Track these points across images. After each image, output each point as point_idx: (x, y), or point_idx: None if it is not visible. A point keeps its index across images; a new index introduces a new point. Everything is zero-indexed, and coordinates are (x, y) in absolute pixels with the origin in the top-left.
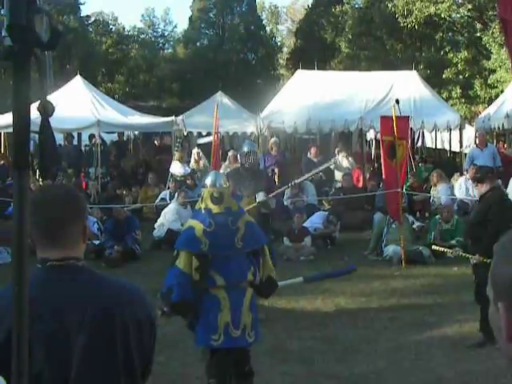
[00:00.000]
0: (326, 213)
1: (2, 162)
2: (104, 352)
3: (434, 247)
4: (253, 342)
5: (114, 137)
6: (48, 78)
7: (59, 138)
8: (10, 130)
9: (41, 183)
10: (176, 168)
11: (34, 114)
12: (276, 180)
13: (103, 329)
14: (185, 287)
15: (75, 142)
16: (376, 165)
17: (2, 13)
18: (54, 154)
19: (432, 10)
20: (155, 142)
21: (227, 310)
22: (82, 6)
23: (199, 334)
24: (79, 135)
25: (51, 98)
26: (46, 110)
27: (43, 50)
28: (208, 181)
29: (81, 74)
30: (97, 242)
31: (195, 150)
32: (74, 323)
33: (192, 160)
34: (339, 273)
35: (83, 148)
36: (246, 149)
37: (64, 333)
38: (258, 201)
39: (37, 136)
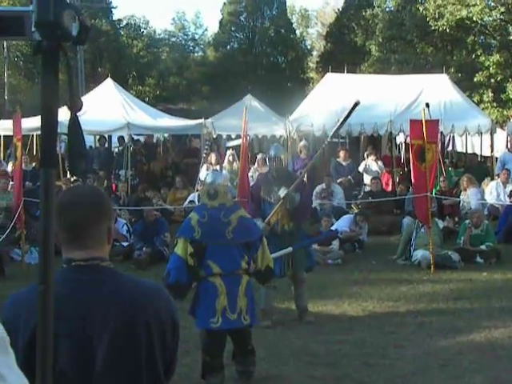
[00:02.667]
0: (353, 215)
1: (34, 164)
2: (127, 351)
3: None
4: (248, 323)
5: (142, 139)
6: (80, 74)
7: (90, 141)
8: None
9: (72, 180)
10: (204, 172)
11: (63, 116)
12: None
13: (126, 328)
14: (180, 271)
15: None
16: (406, 169)
17: (31, 8)
18: (82, 149)
19: (464, 13)
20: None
21: (224, 296)
22: (113, 10)
23: (199, 317)
24: (109, 137)
25: (82, 98)
26: (75, 106)
27: (73, 45)
28: (208, 179)
29: (112, 77)
30: (126, 244)
31: (229, 152)
32: (97, 322)
33: (225, 161)
34: (324, 237)
35: (113, 150)
36: (272, 153)
37: (88, 332)
38: (281, 196)
39: (67, 138)
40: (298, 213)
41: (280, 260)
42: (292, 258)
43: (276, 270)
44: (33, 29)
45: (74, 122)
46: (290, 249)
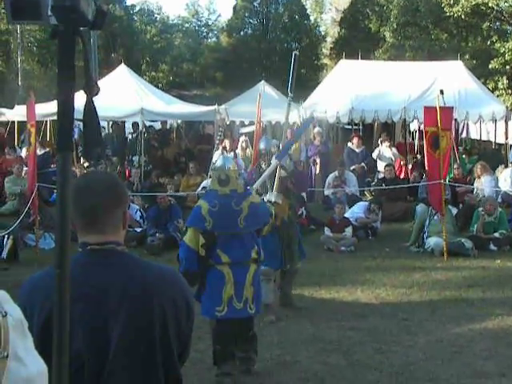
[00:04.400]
0: (367, 202)
1: (48, 149)
2: (142, 334)
3: None
4: (254, 313)
5: (157, 125)
6: (93, 59)
7: (103, 126)
8: (56, 117)
9: (85, 166)
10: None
11: (79, 102)
12: (318, 170)
13: (141, 312)
14: (190, 260)
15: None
16: (419, 156)
17: None
18: (98, 134)
19: None
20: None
21: (231, 285)
22: None
23: (205, 305)
24: (123, 123)
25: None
26: (91, 91)
27: (89, 30)
28: (218, 164)
29: (125, 63)
30: (139, 230)
31: (242, 138)
32: (112, 306)
33: (239, 148)
34: (303, 128)
35: (127, 136)
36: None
37: (102, 315)
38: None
39: (81, 124)
40: (294, 180)
41: (280, 254)
42: (289, 252)
43: (277, 264)
44: (49, 13)
45: (90, 106)
46: (276, 161)
